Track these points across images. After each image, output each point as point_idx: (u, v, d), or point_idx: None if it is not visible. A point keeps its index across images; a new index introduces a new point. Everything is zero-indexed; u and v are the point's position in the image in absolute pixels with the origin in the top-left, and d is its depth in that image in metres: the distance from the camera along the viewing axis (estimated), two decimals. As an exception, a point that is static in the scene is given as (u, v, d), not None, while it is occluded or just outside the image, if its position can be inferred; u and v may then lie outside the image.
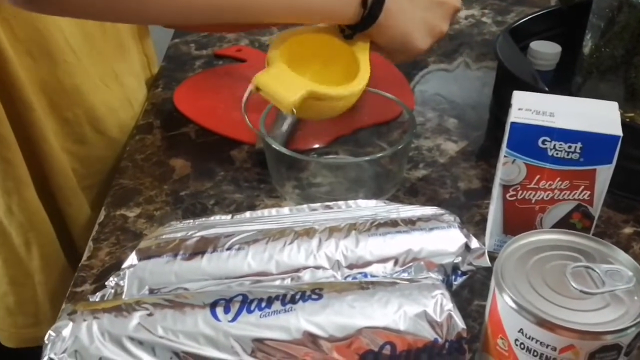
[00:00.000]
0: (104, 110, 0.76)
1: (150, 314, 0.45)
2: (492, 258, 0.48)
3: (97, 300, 0.51)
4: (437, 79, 0.91)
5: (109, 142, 0.78)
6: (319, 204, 0.58)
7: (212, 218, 0.57)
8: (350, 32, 0.67)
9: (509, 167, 0.55)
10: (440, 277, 0.51)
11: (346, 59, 0.68)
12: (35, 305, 0.75)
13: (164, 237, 0.54)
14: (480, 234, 0.62)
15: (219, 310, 0.45)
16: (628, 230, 0.65)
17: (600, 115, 0.53)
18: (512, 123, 0.53)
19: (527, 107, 0.54)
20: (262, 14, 0.63)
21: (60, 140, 0.72)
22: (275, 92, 0.62)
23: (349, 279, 0.51)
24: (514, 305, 0.42)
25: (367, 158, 0.70)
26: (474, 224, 0.65)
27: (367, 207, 0.57)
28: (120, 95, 0.80)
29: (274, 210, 0.57)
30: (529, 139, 0.53)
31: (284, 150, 0.64)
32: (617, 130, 0.52)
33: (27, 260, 0.72)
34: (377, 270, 0.51)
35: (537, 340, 0.41)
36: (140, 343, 0.44)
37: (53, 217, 0.74)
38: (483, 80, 0.90)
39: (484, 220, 0.64)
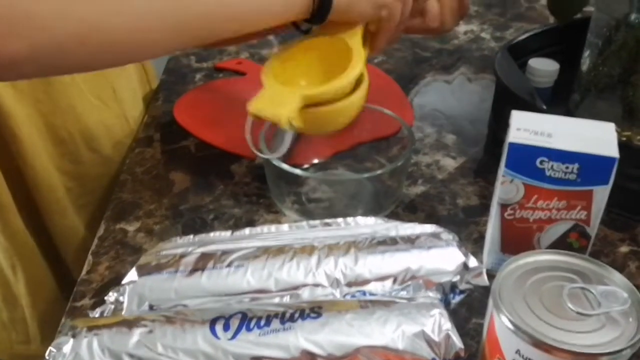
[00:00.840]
0: (100, 128, 0.76)
1: (150, 331, 0.46)
2: (490, 276, 0.49)
3: (96, 315, 0.51)
4: (436, 93, 0.92)
5: (104, 160, 0.78)
6: (318, 221, 0.58)
7: (211, 234, 0.57)
8: (308, 26, 0.65)
9: (507, 186, 0.56)
10: (439, 296, 0.51)
11: (345, 59, 0.65)
12: (24, 325, 0.75)
13: (163, 253, 0.55)
14: (478, 251, 0.63)
15: (219, 328, 0.46)
16: (624, 249, 0.65)
17: (597, 137, 0.54)
18: (511, 143, 0.54)
19: (526, 127, 0.55)
20: (212, 34, 0.60)
21: (54, 160, 0.72)
22: (269, 112, 0.61)
23: (348, 297, 0.51)
24: (511, 326, 0.42)
25: (366, 175, 0.70)
26: (472, 242, 0.65)
27: (366, 225, 0.57)
28: (117, 112, 0.80)
29: (273, 227, 0.57)
30: (527, 159, 0.54)
31: (283, 165, 0.64)
32: (614, 152, 0.52)
33: (14, 282, 0.72)
34: (376, 288, 0.51)
35: (534, 362, 0.42)
36: (140, 360, 0.44)
37: (41, 241, 0.74)
38: (481, 95, 0.90)
39: (482, 237, 0.65)
